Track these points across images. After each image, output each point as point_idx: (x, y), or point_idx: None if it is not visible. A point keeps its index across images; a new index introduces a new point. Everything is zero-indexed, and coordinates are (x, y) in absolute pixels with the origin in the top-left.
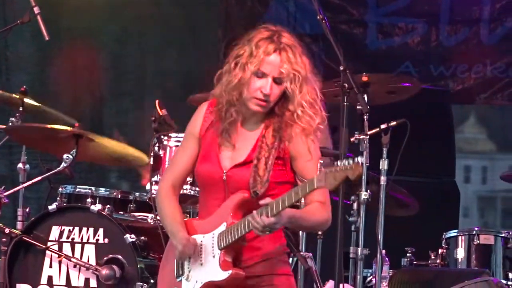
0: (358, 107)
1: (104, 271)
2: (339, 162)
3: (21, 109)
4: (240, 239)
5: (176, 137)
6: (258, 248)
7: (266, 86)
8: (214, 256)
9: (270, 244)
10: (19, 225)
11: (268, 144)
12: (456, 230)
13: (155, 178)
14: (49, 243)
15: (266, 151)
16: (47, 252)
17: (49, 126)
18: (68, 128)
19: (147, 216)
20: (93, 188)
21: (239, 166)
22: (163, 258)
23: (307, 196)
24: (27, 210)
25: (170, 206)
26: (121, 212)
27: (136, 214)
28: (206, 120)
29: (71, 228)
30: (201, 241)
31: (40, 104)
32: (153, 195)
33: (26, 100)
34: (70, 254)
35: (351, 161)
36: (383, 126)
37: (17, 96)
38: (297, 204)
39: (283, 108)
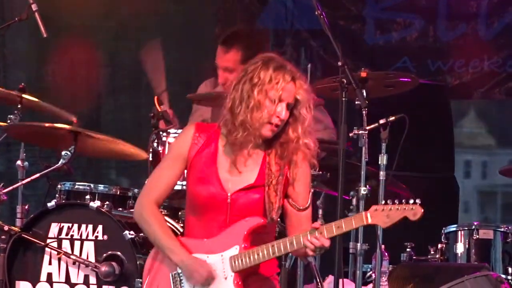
0: (356, 102)
1: (104, 268)
2: (395, 202)
3: (19, 106)
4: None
5: (175, 133)
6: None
7: (282, 112)
8: (226, 278)
9: (267, 265)
10: (18, 222)
11: (273, 170)
12: (455, 225)
13: None
14: (48, 240)
15: (273, 177)
16: (47, 249)
17: (47, 124)
18: (67, 126)
19: None
20: (92, 185)
21: (245, 190)
22: (149, 277)
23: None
24: (26, 207)
25: (160, 222)
26: (120, 209)
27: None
28: (196, 143)
29: (70, 225)
30: (205, 261)
31: (38, 100)
32: None
33: (25, 96)
34: (69, 251)
35: (411, 202)
36: (381, 121)
37: (16, 93)
38: None
39: (286, 134)
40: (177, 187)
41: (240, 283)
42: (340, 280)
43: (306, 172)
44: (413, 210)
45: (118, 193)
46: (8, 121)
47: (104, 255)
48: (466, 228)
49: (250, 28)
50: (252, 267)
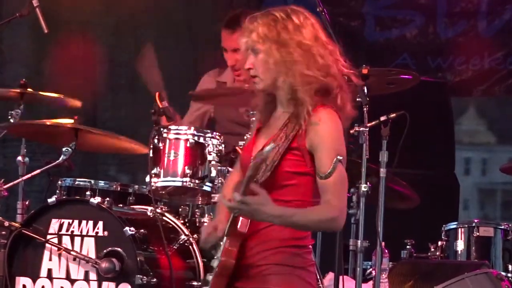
0: (357, 99)
1: (104, 264)
2: None
3: (21, 102)
4: (232, 227)
5: (176, 129)
6: (264, 238)
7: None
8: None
9: (276, 234)
10: (18, 218)
11: (287, 133)
12: (455, 222)
13: (154, 171)
14: (48, 236)
15: (283, 140)
16: (47, 245)
17: (49, 122)
18: (68, 124)
19: (147, 209)
20: (93, 181)
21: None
22: None
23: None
24: (27, 203)
25: None
26: (121, 205)
27: (135, 206)
28: None
29: (70, 221)
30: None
31: (42, 93)
32: (152, 188)
33: (29, 90)
34: (69, 247)
35: None
36: (382, 118)
37: (19, 91)
38: None
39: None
40: (178, 184)
41: (226, 247)
42: (340, 277)
43: (322, 133)
44: None
45: (119, 189)
46: (9, 117)
47: (105, 251)
48: (466, 226)
49: (251, 10)
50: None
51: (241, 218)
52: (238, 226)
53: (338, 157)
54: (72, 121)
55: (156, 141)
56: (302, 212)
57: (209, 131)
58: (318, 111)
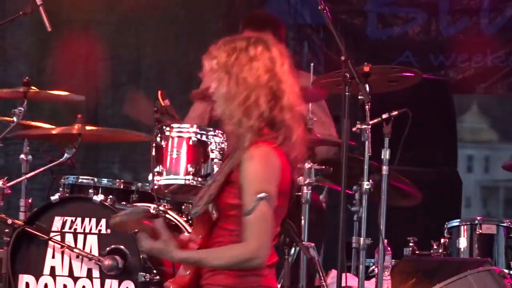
0: (359, 97)
1: (107, 262)
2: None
3: (24, 100)
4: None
5: (178, 127)
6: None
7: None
8: None
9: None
10: (21, 216)
11: (226, 167)
12: (458, 220)
13: (157, 169)
14: (51, 234)
15: (223, 173)
16: (50, 242)
17: (54, 131)
18: (73, 130)
19: (150, 207)
20: (96, 179)
21: None
22: None
23: None
24: (30, 201)
25: None
26: (124, 203)
27: (138, 204)
28: None
29: (73, 218)
30: None
31: (42, 91)
32: (155, 186)
33: (33, 89)
34: (72, 244)
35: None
36: (384, 116)
37: (22, 90)
38: None
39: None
40: (181, 182)
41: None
42: (343, 275)
43: (247, 170)
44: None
45: (122, 187)
46: (12, 115)
47: (108, 248)
48: (469, 223)
49: (269, 12)
50: None
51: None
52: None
53: (260, 195)
54: (76, 126)
55: (158, 139)
56: (212, 256)
57: (211, 129)
58: (252, 148)
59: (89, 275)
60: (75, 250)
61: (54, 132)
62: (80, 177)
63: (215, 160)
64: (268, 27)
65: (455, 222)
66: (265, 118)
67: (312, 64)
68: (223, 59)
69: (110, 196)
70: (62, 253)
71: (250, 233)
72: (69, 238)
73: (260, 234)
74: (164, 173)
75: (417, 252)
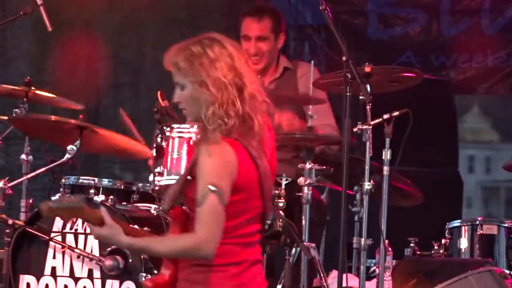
0: (360, 97)
1: (108, 262)
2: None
3: (25, 100)
4: None
5: (179, 127)
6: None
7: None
8: None
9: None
10: (22, 216)
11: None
12: (459, 220)
13: (157, 169)
14: (52, 234)
15: (187, 168)
16: (51, 243)
17: (53, 117)
18: (73, 120)
19: (150, 207)
20: (96, 179)
21: None
22: None
23: None
24: (30, 201)
25: None
26: (124, 203)
27: (139, 204)
28: None
29: (74, 219)
30: None
31: (47, 93)
32: (156, 186)
33: (33, 89)
34: (73, 245)
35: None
36: (385, 116)
37: (23, 89)
38: None
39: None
40: None
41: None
42: (344, 275)
43: (201, 163)
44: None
45: (122, 187)
46: (14, 115)
47: (108, 249)
48: (470, 224)
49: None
50: None
51: None
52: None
53: (210, 187)
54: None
55: (159, 139)
56: (159, 243)
57: None
58: (208, 143)
59: (90, 276)
60: (76, 250)
61: (53, 118)
62: (81, 177)
63: None
64: (267, 14)
65: (456, 223)
66: (240, 115)
67: (312, 62)
68: (185, 66)
69: (111, 197)
70: (63, 253)
71: (199, 224)
72: (70, 239)
73: (208, 225)
74: (165, 173)
75: (418, 252)
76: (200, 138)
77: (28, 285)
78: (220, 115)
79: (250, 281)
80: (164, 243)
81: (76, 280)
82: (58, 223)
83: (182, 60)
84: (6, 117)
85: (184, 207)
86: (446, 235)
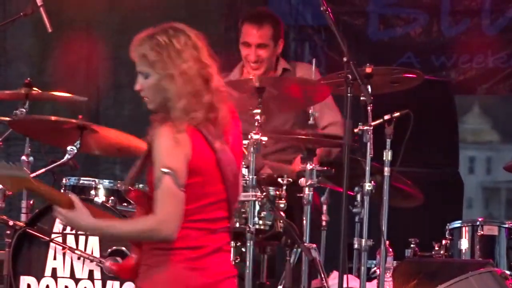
0: (361, 98)
1: (108, 263)
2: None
3: (26, 100)
4: None
5: None
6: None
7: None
8: None
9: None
10: (23, 217)
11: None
12: (460, 221)
13: None
14: (53, 235)
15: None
16: (51, 244)
17: (53, 118)
18: (73, 120)
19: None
20: (97, 180)
21: None
22: None
23: None
24: (31, 202)
25: None
26: (125, 204)
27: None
28: None
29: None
30: None
31: (44, 92)
32: None
33: (35, 90)
34: (74, 246)
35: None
36: (386, 117)
37: (24, 90)
38: None
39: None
40: None
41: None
42: (345, 276)
43: (155, 147)
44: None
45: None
46: (14, 116)
47: (109, 250)
48: (470, 224)
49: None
50: None
51: None
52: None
53: (163, 169)
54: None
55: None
56: (120, 224)
57: None
58: (162, 126)
59: (91, 277)
60: (76, 251)
61: (53, 119)
62: (82, 178)
63: None
64: (268, 21)
65: (457, 223)
66: (207, 106)
67: (314, 60)
68: (152, 57)
69: (112, 198)
70: (64, 254)
71: (157, 206)
72: (70, 240)
73: (165, 207)
74: None
75: (418, 253)
76: (158, 126)
77: (28, 286)
78: (188, 107)
79: (210, 268)
80: (126, 225)
81: (77, 281)
82: (58, 224)
83: (149, 50)
84: (7, 118)
85: (144, 190)
86: (447, 236)
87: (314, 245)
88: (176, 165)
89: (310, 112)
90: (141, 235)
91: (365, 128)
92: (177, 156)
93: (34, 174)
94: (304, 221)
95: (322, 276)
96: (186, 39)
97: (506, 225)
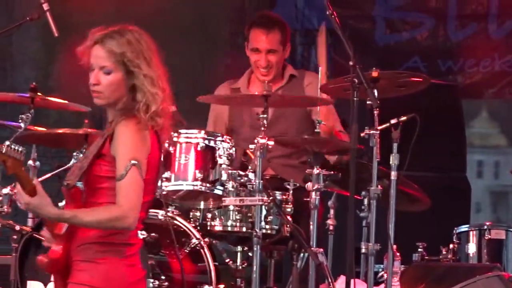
0: (368, 102)
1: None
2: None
3: (31, 105)
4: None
5: (186, 133)
6: (76, 237)
7: (92, 78)
8: None
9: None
10: (29, 222)
11: (99, 141)
12: (467, 225)
13: (165, 175)
14: None
15: (94, 147)
16: None
17: (59, 130)
18: (80, 131)
19: (158, 213)
20: None
21: None
22: None
23: None
24: None
25: None
26: None
27: None
28: None
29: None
30: None
31: (48, 99)
32: (163, 192)
33: (39, 95)
34: None
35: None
36: (393, 121)
37: (29, 95)
38: None
39: (128, 101)
40: (189, 187)
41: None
42: (352, 280)
43: (119, 137)
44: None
45: None
46: (20, 121)
47: None
48: (477, 228)
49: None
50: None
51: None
52: (56, 228)
53: (132, 161)
54: (82, 130)
55: (166, 145)
56: (85, 213)
57: (219, 134)
58: (126, 119)
59: None
60: None
61: (59, 131)
62: None
63: (223, 166)
64: (276, 25)
65: (464, 228)
66: (164, 110)
67: (320, 68)
68: (121, 54)
69: None
70: None
71: (122, 196)
72: None
73: (130, 196)
74: (172, 178)
75: (426, 257)
76: (116, 120)
77: None
78: (155, 111)
79: (138, 265)
80: (90, 213)
81: None
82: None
83: (120, 47)
84: (13, 124)
85: (80, 187)
86: (454, 240)
87: (321, 250)
88: (142, 158)
89: (314, 119)
90: (104, 224)
91: (372, 132)
92: (143, 151)
93: (40, 179)
94: (311, 226)
95: (329, 280)
96: (147, 37)
97: None
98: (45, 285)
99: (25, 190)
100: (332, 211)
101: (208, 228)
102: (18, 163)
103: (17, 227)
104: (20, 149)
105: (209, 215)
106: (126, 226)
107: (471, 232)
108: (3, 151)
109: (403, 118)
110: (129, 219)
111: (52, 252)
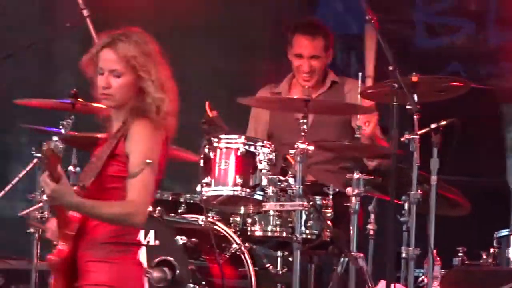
0: (408, 106)
1: (155, 273)
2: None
3: (72, 112)
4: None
5: (226, 138)
6: (89, 237)
7: (103, 81)
8: None
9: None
10: None
11: (112, 142)
12: (507, 229)
13: (205, 180)
14: None
15: (108, 148)
16: None
17: (99, 135)
18: None
19: (198, 218)
20: None
21: None
22: None
23: None
24: None
25: None
26: (172, 214)
27: (187, 215)
28: None
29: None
30: None
31: (88, 105)
32: (203, 197)
33: (80, 101)
34: None
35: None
36: (433, 126)
37: (70, 101)
38: None
39: (138, 102)
40: (229, 193)
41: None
42: (392, 285)
43: (133, 136)
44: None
45: (170, 198)
46: (60, 127)
47: (156, 260)
48: None
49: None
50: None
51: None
52: (67, 228)
53: (147, 161)
54: None
55: (207, 150)
56: (103, 204)
57: (259, 139)
58: (141, 120)
59: None
60: None
61: (99, 136)
62: None
63: (264, 171)
64: (320, 32)
65: (504, 232)
66: (158, 103)
67: (360, 74)
68: (131, 58)
69: (159, 208)
70: None
71: (134, 193)
72: None
73: (143, 194)
74: (213, 184)
75: (466, 262)
76: (130, 120)
77: None
78: (165, 112)
79: (141, 263)
80: (107, 205)
81: None
82: None
83: (129, 50)
84: (54, 130)
85: (80, 188)
86: (495, 245)
87: (361, 254)
88: (156, 158)
89: (356, 125)
90: (117, 218)
91: (412, 137)
92: (157, 151)
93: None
94: (351, 230)
95: (370, 285)
96: (155, 44)
97: None
98: None
99: (51, 178)
100: (372, 216)
101: (248, 233)
102: (57, 159)
103: None
104: (60, 146)
105: (249, 220)
106: (136, 223)
107: (511, 237)
108: (51, 149)
109: (443, 122)
110: (140, 216)
111: (59, 251)
